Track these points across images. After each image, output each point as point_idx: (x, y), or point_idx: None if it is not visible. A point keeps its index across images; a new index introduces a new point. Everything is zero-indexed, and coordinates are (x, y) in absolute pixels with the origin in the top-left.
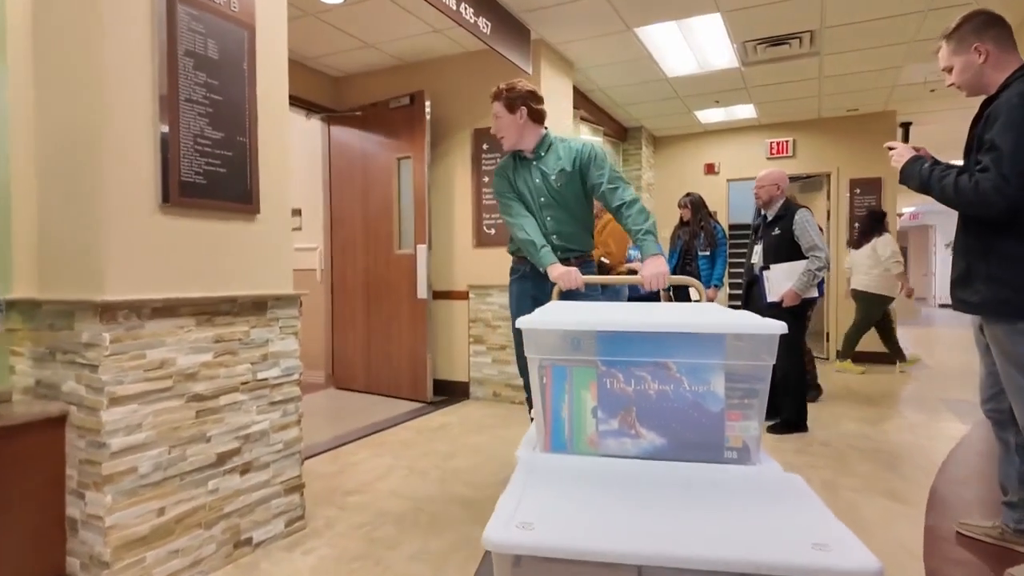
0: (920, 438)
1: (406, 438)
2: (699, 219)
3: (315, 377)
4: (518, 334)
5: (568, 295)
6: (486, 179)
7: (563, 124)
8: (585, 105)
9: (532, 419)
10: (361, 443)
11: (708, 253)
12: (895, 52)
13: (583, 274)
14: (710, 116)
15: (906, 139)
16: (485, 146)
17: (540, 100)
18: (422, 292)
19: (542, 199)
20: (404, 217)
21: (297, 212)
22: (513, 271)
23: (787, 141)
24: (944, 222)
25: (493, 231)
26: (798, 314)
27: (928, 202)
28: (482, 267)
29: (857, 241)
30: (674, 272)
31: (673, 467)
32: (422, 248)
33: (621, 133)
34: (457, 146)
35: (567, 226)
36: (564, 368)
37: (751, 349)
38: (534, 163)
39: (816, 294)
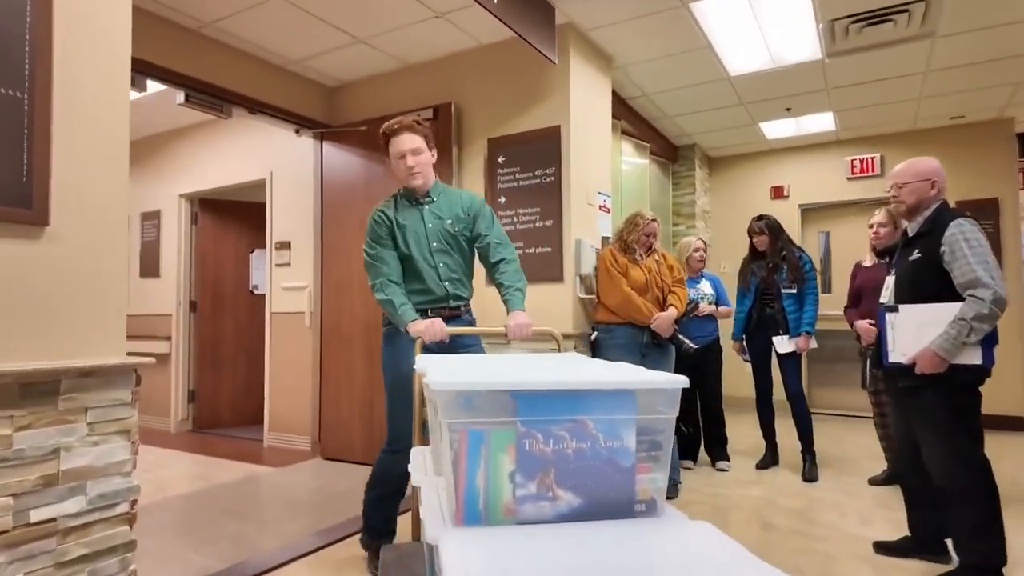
0: None
1: None
2: (779, 248)
3: (299, 443)
4: (404, 387)
5: (433, 347)
6: (503, 200)
7: (601, 137)
8: (627, 116)
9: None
10: (311, 560)
11: (794, 291)
12: None
13: (464, 324)
14: (778, 129)
15: None
16: (502, 159)
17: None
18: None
19: (435, 244)
20: None
21: (285, 245)
22: (388, 321)
23: (872, 158)
24: None
25: None
26: (951, 390)
27: None
28: (496, 309)
29: None
30: (747, 317)
31: (596, 529)
32: None
33: (670, 152)
34: (468, 160)
35: (458, 273)
36: (480, 432)
37: (654, 402)
38: (427, 207)
39: (979, 359)
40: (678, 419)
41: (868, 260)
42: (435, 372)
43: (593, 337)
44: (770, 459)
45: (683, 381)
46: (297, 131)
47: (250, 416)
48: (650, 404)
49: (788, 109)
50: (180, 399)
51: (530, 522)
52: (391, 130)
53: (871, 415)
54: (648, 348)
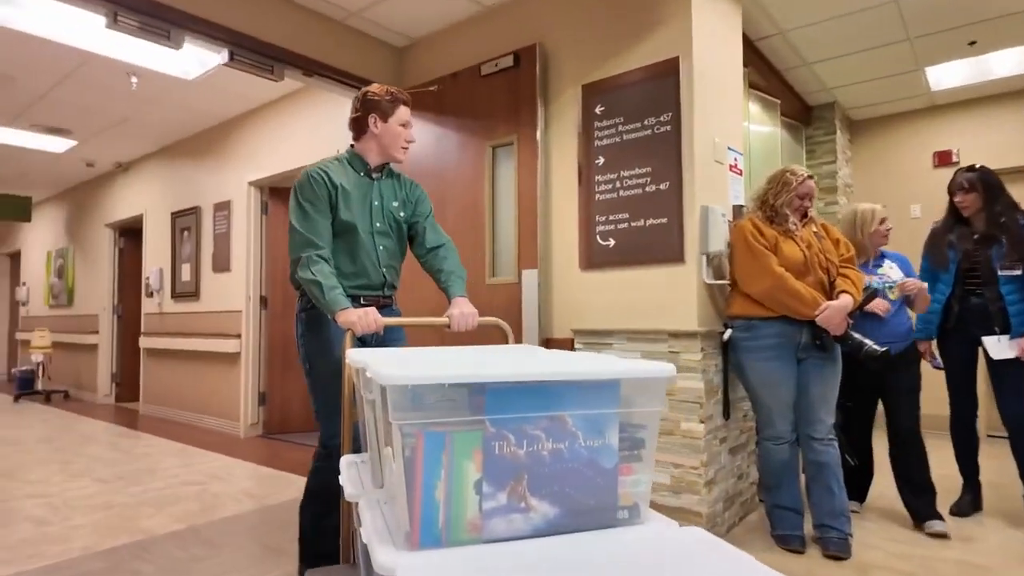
0: None
1: None
2: (996, 212)
3: None
4: (333, 383)
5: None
6: (600, 161)
7: (732, 76)
8: (755, 63)
9: (349, 500)
10: None
11: (1018, 272)
12: None
13: (393, 316)
14: (949, 76)
15: None
16: (600, 109)
17: None
18: (532, 337)
19: (378, 224)
20: (501, 231)
21: None
22: (312, 304)
23: None
24: None
25: (611, 243)
26: None
27: None
28: (594, 301)
29: None
30: (947, 308)
31: (576, 544)
32: (530, 274)
33: (803, 113)
34: (556, 116)
35: (395, 260)
36: (441, 435)
37: (637, 394)
38: (377, 183)
39: None
40: (841, 448)
41: None
42: (381, 365)
43: (727, 336)
44: (970, 504)
45: (670, 369)
46: None
47: None
48: (633, 396)
49: (973, 42)
50: (250, 402)
51: (499, 540)
52: (406, 98)
53: None
54: (807, 351)
